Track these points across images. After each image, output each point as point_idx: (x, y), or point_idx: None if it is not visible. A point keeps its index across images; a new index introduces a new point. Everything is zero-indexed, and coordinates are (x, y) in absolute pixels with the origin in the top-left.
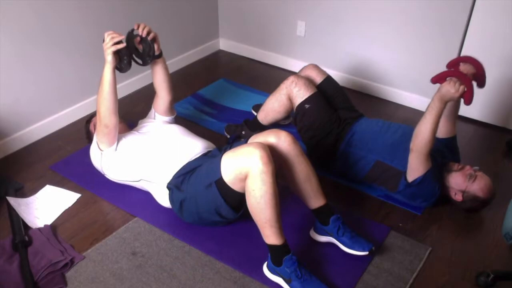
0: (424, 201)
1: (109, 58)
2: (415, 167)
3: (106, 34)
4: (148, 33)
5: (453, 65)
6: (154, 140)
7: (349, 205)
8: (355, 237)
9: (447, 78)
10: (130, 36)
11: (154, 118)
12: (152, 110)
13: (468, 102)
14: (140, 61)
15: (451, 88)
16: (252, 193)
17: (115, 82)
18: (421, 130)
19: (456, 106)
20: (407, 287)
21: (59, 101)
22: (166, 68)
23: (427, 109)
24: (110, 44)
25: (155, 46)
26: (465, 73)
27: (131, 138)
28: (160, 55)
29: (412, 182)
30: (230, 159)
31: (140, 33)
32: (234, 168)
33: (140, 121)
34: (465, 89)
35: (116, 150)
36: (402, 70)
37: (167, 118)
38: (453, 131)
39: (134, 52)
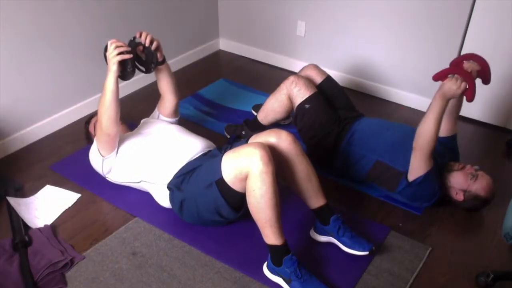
0: (424, 202)
1: (113, 67)
2: (417, 166)
3: (109, 43)
4: (151, 42)
5: (457, 63)
6: (154, 140)
7: (349, 205)
8: (355, 237)
9: (449, 75)
10: (132, 44)
11: (158, 118)
12: (156, 111)
13: (470, 99)
14: (143, 69)
15: (452, 85)
16: (252, 193)
17: (118, 91)
18: (423, 129)
19: (458, 105)
20: (407, 287)
21: (59, 101)
22: (170, 73)
23: (429, 107)
24: (115, 53)
25: (158, 54)
26: (466, 70)
27: (131, 140)
28: (163, 62)
29: (413, 181)
30: (231, 159)
31: (143, 42)
32: (235, 168)
33: (142, 120)
34: (467, 86)
35: (117, 153)
36: (402, 70)
37: (171, 120)
38: (453, 130)
39: (137, 60)
